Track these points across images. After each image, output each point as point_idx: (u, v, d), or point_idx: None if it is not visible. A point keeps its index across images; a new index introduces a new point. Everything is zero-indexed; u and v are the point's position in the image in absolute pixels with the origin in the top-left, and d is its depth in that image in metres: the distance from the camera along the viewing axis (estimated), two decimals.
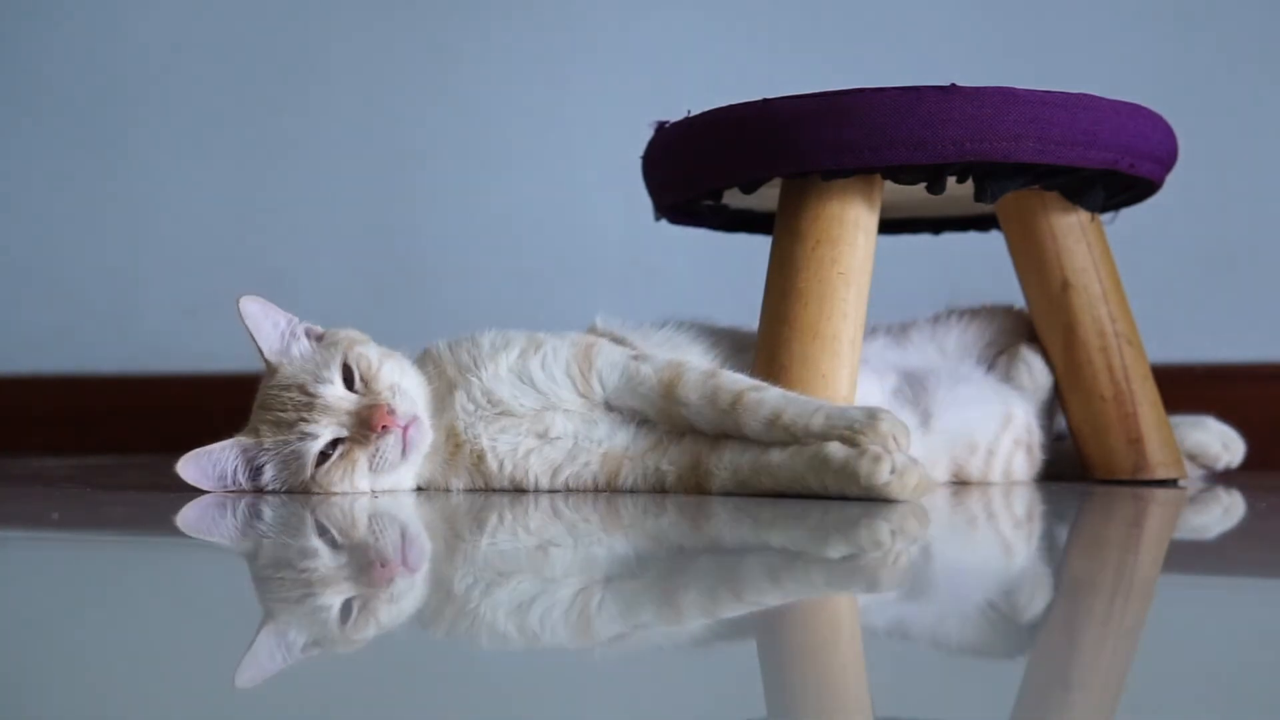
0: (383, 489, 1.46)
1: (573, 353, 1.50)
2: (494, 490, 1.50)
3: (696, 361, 1.52)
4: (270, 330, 1.50)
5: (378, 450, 1.42)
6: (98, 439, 2.69)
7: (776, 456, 1.39)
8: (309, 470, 1.43)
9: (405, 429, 1.43)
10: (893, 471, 1.31)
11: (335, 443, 1.44)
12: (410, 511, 1.36)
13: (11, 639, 0.79)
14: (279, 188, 2.75)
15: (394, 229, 2.69)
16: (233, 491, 1.47)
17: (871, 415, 1.36)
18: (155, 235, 2.79)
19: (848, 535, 1.16)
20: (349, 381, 1.45)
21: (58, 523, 1.37)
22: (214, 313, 2.68)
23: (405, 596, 0.91)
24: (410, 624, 0.83)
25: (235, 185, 2.77)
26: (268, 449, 1.45)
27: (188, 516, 1.34)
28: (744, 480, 1.42)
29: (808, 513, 1.28)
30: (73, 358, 2.78)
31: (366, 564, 1.04)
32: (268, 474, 1.46)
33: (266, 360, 1.49)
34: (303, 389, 1.44)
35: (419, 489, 1.52)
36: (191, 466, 1.45)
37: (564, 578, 0.96)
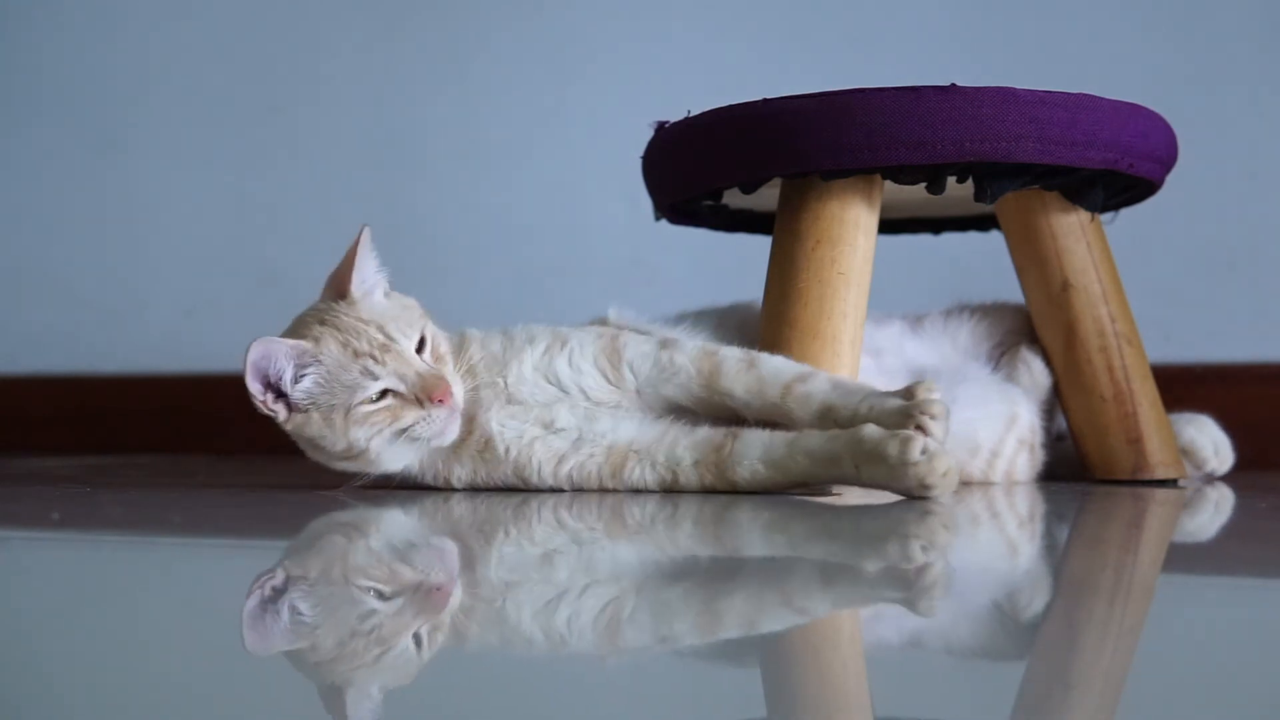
0: (377, 461, 1.46)
1: (599, 346, 1.51)
2: (495, 487, 1.49)
3: (727, 348, 1.52)
4: (366, 269, 1.52)
5: (426, 418, 1.43)
6: (98, 439, 2.69)
7: (814, 440, 1.41)
8: (353, 404, 1.43)
9: (453, 412, 1.45)
10: (924, 453, 1.33)
11: (385, 393, 1.44)
12: (407, 522, 1.36)
13: (11, 639, 0.79)
14: (279, 188, 2.75)
15: (394, 229, 2.69)
16: (268, 392, 1.44)
17: (909, 391, 1.39)
18: (155, 235, 2.79)
19: (880, 551, 1.16)
20: (420, 349, 1.47)
21: (58, 523, 1.37)
22: (214, 313, 2.69)
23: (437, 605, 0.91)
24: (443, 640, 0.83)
25: (235, 185, 2.77)
26: (324, 361, 1.44)
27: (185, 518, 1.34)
28: (777, 461, 1.42)
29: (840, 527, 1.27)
30: (73, 358, 2.78)
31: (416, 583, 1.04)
32: (306, 384, 1.44)
33: (350, 291, 1.49)
34: (384, 330, 1.45)
35: (419, 484, 1.51)
36: (257, 351, 1.43)
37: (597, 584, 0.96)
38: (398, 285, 2.64)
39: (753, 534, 1.20)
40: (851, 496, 1.43)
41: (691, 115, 1.62)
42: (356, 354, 1.44)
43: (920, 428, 1.35)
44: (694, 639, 0.78)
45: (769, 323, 1.56)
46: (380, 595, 0.90)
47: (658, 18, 2.59)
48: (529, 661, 0.73)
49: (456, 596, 0.91)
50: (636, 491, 1.47)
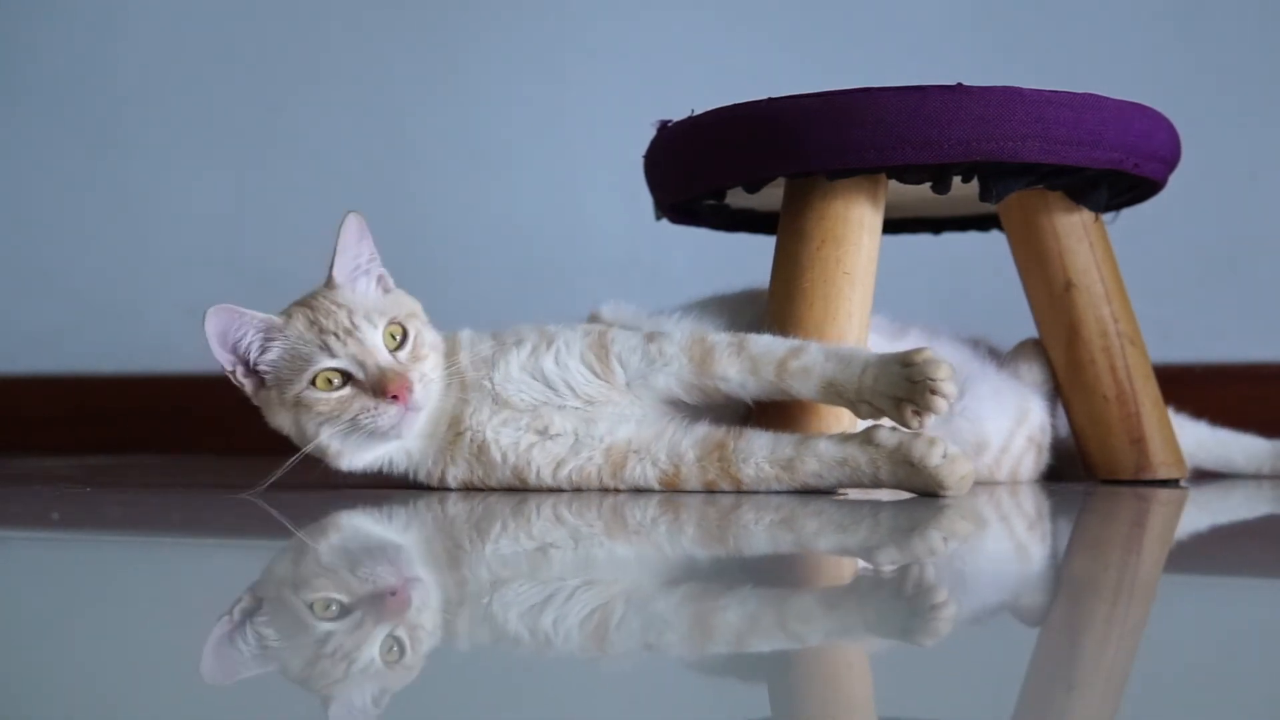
0: (336, 458, 1.45)
1: (586, 342, 1.50)
2: (492, 488, 1.49)
3: (715, 333, 1.51)
4: (351, 255, 1.51)
5: (374, 410, 1.42)
6: (98, 439, 2.69)
7: (823, 442, 1.41)
8: (303, 382, 1.43)
9: (408, 412, 1.43)
10: (944, 456, 1.36)
11: (346, 380, 1.43)
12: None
13: (11, 639, 0.78)
14: (279, 187, 2.74)
15: (394, 229, 2.68)
16: (238, 364, 1.46)
17: (907, 358, 1.38)
18: (155, 235, 2.79)
19: (902, 545, 1.15)
20: (397, 340, 1.46)
21: (58, 523, 1.37)
22: None
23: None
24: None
25: (235, 185, 2.76)
26: (289, 335, 1.45)
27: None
28: (786, 462, 1.41)
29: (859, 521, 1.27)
30: (73, 358, 2.77)
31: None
32: (271, 356, 1.45)
33: (332, 276, 1.50)
34: (351, 317, 1.44)
35: (414, 484, 1.50)
36: (217, 319, 1.45)
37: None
38: (398, 285, 2.65)
39: (761, 532, 1.20)
40: (854, 493, 1.43)
41: (695, 114, 1.62)
42: (321, 330, 1.44)
43: (933, 391, 1.36)
44: (708, 640, 0.77)
45: (774, 323, 1.55)
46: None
47: (658, 16, 2.58)
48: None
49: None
50: (638, 491, 1.47)
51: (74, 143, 2.82)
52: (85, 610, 0.88)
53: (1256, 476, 1.82)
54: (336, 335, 1.43)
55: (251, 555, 1.16)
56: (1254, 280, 2.37)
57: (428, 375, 1.45)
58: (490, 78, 2.65)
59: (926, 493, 1.38)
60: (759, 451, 1.43)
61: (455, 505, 1.38)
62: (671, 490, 1.46)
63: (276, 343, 1.45)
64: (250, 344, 1.46)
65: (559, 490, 1.48)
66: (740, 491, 1.43)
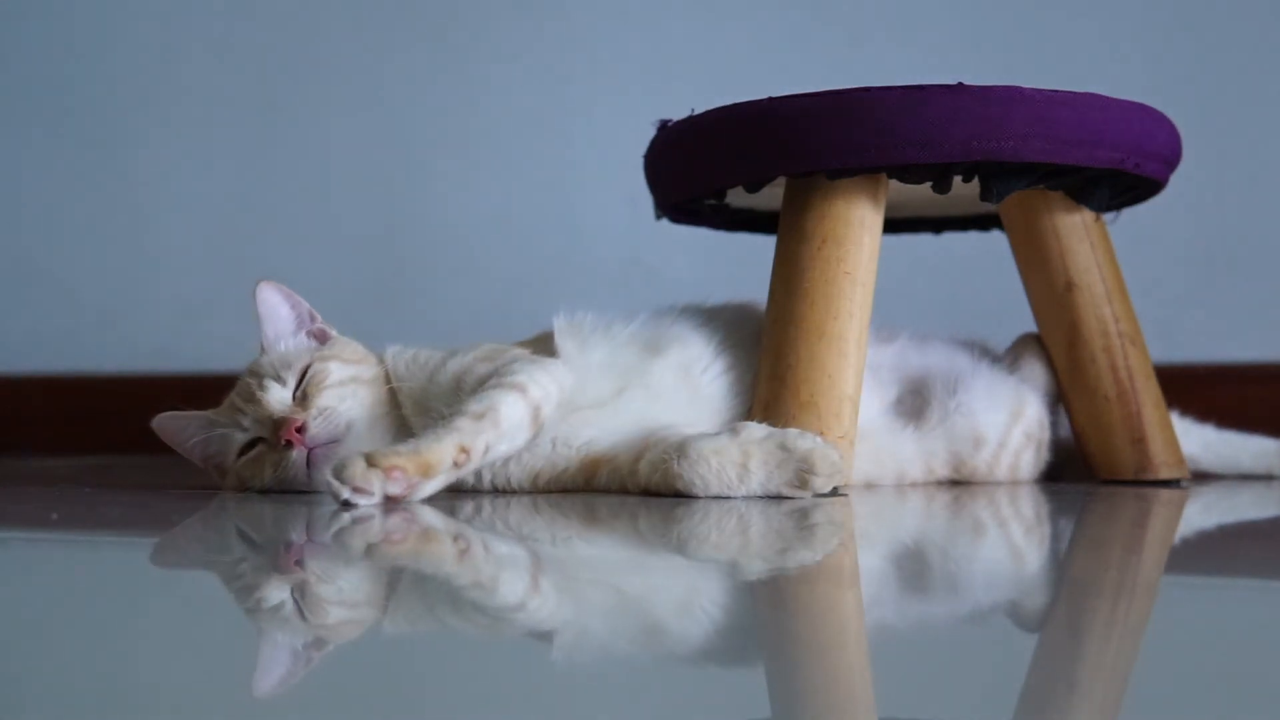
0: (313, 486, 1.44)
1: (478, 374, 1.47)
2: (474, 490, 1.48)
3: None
4: (278, 321, 1.52)
5: (281, 460, 1.42)
6: (98, 439, 2.69)
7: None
8: (231, 459, 1.46)
9: (312, 450, 1.41)
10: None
11: (257, 442, 1.45)
12: None
13: (11, 639, 0.78)
14: (279, 188, 2.74)
15: (394, 229, 2.69)
16: (206, 464, 1.51)
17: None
18: (155, 235, 2.79)
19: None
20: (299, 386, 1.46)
21: (58, 523, 1.37)
22: (214, 313, 2.68)
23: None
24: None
25: (235, 185, 2.76)
26: (220, 424, 1.47)
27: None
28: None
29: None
30: (73, 358, 2.77)
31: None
32: (213, 449, 1.49)
33: (260, 345, 1.52)
34: (259, 381, 1.45)
35: None
36: (165, 428, 1.50)
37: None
38: (396, 286, 2.65)
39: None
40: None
41: (695, 114, 1.62)
42: (233, 407, 1.46)
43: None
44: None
45: (774, 323, 1.55)
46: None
47: (659, 15, 2.58)
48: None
49: None
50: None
51: (73, 142, 2.82)
52: (85, 610, 0.88)
53: (1266, 477, 1.81)
54: (243, 409, 1.45)
55: (246, 555, 1.16)
56: (1254, 280, 2.37)
57: (328, 406, 1.42)
58: (490, 77, 2.65)
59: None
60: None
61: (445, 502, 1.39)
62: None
63: (216, 433, 1.47)
64: (195, 445, 1.50)
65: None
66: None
